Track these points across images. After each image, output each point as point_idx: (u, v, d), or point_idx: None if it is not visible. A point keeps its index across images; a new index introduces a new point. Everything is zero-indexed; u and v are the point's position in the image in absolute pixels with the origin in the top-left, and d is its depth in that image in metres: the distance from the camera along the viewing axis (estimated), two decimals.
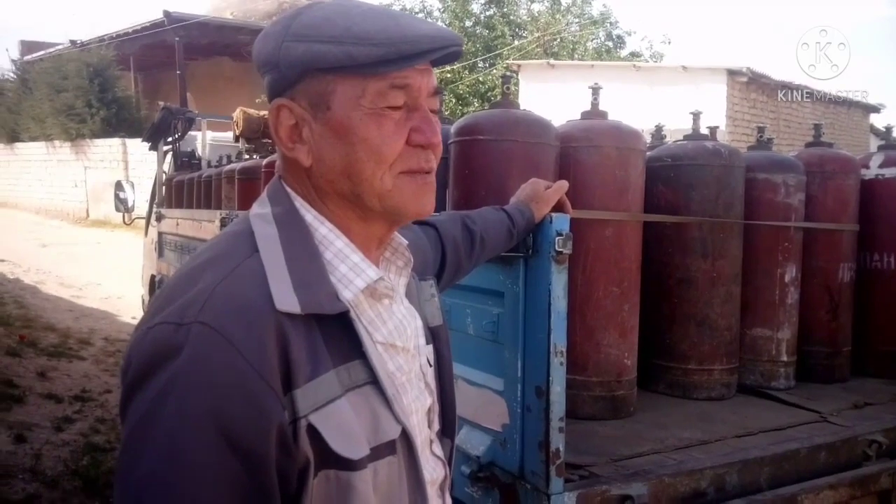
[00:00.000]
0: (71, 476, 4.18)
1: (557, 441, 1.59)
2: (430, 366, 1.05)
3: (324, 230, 0.92)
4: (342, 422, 0.83)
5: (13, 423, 4.93)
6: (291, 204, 0.93)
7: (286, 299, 0.82)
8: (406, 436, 0.91)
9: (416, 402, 0.98)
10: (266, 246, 0.87)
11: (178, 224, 5.35)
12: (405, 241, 1.04)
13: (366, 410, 0.87)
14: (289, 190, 0.94)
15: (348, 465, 0.83)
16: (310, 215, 0.92)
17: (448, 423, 1.09)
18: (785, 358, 2.61)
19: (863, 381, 2.78)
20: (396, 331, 0.96)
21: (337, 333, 0.87)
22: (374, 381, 0.89)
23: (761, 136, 2.81)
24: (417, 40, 0.87)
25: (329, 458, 0.82)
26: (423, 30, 0.88)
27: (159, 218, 6.19)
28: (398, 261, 1.04)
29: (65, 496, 3.96)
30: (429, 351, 1.05)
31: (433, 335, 1.08)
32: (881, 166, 2.89)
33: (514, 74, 10.76)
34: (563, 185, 1.72)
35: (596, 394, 2.21)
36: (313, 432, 0.81)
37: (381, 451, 0.87)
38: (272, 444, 0.78)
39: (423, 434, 1.00)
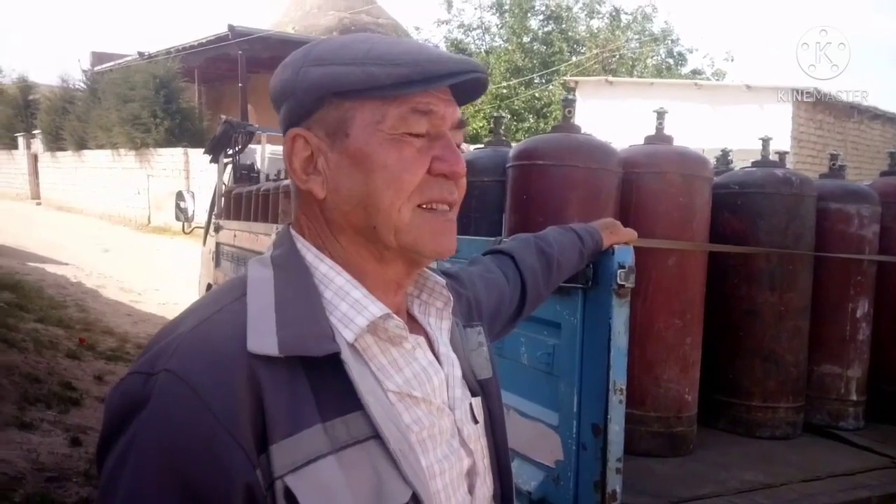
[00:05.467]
0: None
1: (614, 482, 1.53)
2: (477, 422, 0.94)
3: (324, 268, 0.85)
4: (325, 485, 0.73)
5: (70, 426, 5.03)
6: (293, 245, 0.87)
7: (262, 341, 0.75)
8: (417, 501, 0.79)
9: (445, 462, 0.87)
10: (256, 289, 0.81)
11: (235, 236, 5.43)
12: (442, 280, 0.96)
13: (367, 470, 0.76)
14: (293, 233, 0.89)
15: None
16: (310, 254, 0.86)
17: (505, 489, 0.98)
18: (854, 397, 2.49)
19: None
20: (416, 379, 0.86)
21: (331, 381, 0.78)
22: (378, 435, 0.78)
23: (834, 164, 2.69)
24: (442, 61, 0.82)
25: None
26: (446, 54, 0.84)
27: (217, 228, 6.30)
28: (437, 302, 0.96)
29: None
30: (476, 404, 0.95)
31: (482, 389, 0.98)
32: None
33: (575, 97, 10.70)
34: (633, 234, 1.63)
35: (654, 430, 2.12)
36: (290, 496, 0.72)
37: None
38: None
39: (459, 499, 0.88)
